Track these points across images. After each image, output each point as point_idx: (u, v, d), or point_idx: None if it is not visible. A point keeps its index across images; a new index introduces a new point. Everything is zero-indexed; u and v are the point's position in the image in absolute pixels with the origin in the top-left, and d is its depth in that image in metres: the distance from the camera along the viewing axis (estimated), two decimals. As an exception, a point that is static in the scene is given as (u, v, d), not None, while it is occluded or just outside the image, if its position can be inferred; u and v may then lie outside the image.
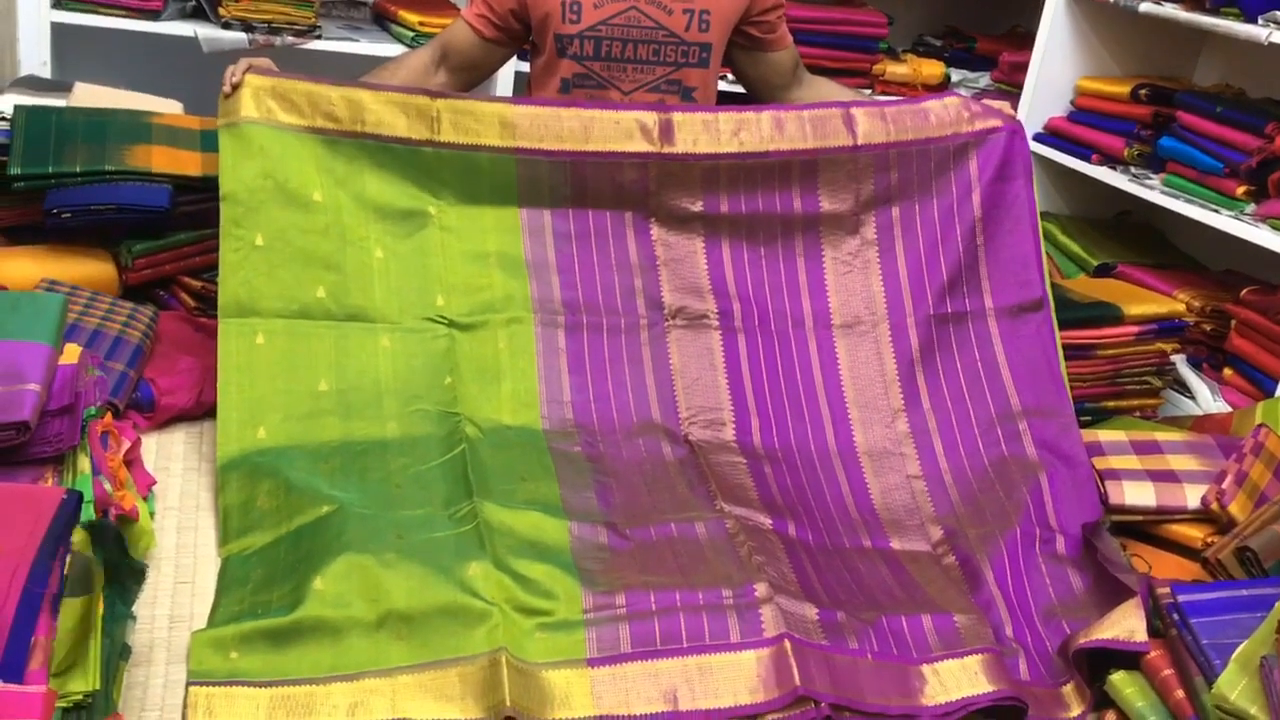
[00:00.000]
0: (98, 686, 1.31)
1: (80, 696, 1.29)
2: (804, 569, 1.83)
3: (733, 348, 2.16)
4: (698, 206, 2.16)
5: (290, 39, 3.01)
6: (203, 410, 2.10)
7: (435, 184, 2.10)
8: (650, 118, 2.13)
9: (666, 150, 2.12)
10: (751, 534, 1.86)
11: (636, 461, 2.01)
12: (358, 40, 3.16)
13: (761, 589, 1.70)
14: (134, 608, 1.58)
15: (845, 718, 1.57)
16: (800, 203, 2.18)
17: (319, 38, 3.07)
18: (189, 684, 1.51)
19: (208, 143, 2.32)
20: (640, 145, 2.12)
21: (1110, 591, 1.79)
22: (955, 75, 3.57)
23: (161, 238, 2.35)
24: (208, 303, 2.34)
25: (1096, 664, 1.68)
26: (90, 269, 2.29)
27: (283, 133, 2.03)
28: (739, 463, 2.06)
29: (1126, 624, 1.64)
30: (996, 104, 2.27)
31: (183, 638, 1.59)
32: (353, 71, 2.17)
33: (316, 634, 1.57)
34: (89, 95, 2.56)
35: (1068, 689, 1.68)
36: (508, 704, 1.49)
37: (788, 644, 1.61)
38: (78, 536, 1.27)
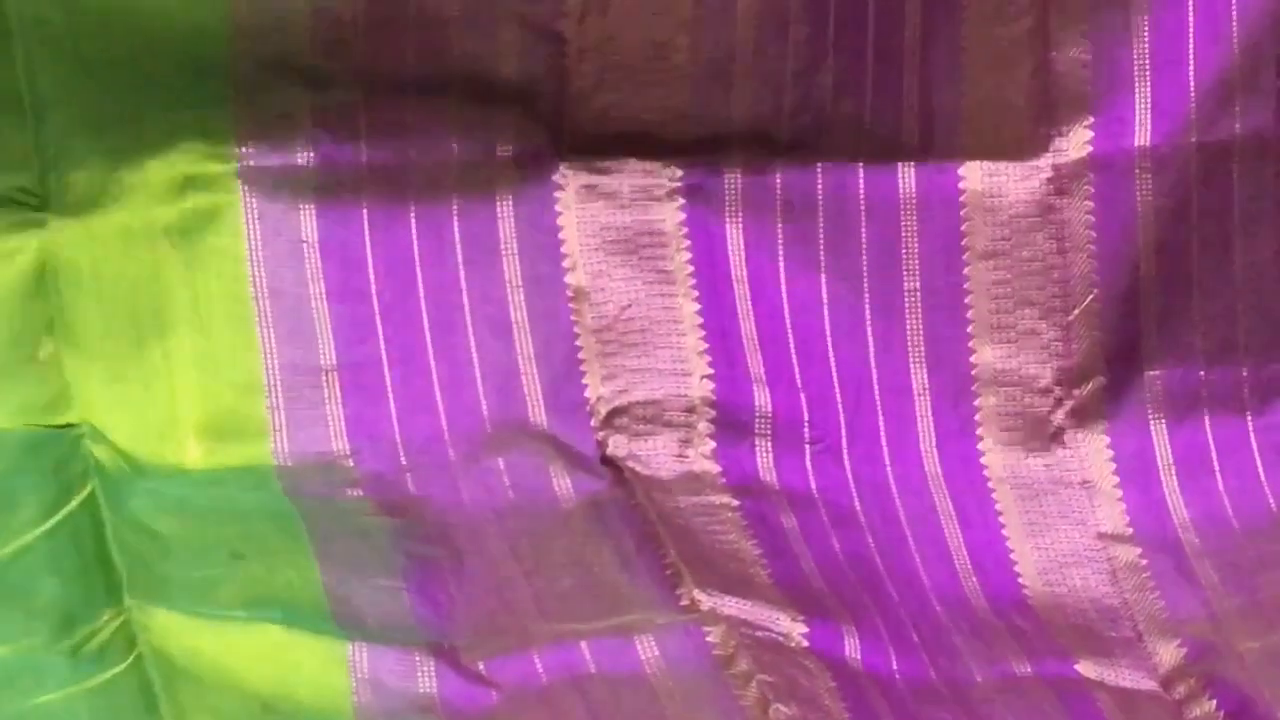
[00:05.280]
0: None
1: None
2: (883, 725, 1.06)
3: (714, 232, 1.15)
4: None
5: None
6: None
7: None
8: None
9: None
10: (762, 653, 1.04)
11: (495, 510, 1.04)
12: None
13: (792, 773, 0.98)
14: None
15: None
16: None
17: None
18: None
19: None
20: None
21: None
22: None
23: None
24: None
25: None
26: None
27: None
28: (724, 504, 1.06)
29: None
30: None
31: None
32: None
33: None
34: None
35: None
36: None
37: None
38: None
